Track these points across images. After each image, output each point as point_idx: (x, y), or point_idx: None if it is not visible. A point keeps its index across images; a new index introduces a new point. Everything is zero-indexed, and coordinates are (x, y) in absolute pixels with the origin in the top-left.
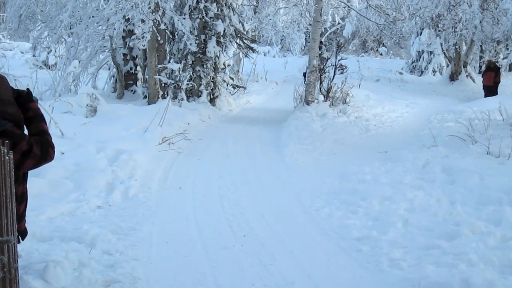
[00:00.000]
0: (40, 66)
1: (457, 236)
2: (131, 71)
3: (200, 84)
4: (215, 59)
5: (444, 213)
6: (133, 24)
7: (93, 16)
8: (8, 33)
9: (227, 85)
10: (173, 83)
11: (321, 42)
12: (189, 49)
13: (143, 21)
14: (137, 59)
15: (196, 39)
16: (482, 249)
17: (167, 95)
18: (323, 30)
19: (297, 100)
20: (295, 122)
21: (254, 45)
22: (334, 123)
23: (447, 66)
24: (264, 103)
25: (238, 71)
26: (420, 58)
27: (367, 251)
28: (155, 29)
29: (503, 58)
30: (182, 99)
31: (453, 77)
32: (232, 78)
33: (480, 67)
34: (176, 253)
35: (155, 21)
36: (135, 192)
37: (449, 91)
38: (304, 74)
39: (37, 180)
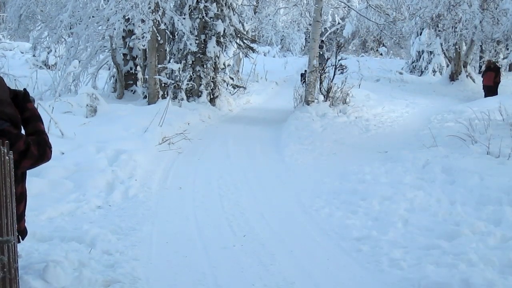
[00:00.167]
0: (40, 66)
1: (457, 236)
2: (131, 71)
3: (200, 84)
4: (215, 59)
5: (444, 213)
6: (133, 24)
7: (93, 16)
8: (8, 33)
9: (227, 85)
10: (173, 83)
11: (322, 41)
12: (189, 49)
13: (143, 21)
14: (137, 59)
15: (196, 39)
16: (482, 249)
17: (167, 95)
18: (323, 30)
19: (297, 100)
20: (295, 122)
21: (254, 45)
22: (334, 123)
23: (447, 66)
24: (264, 103)
25: (238, 71)
26: (420, 58)
27: (367, 251)
28: (155, 29)
29: (503, 58)
30: (182, 99)
31: (453, 77)
32: (232, 78)
33: (480, 67)
34: (176, 253)
35: (155, 21)
36: (135, 192)
37: (449, 91)
38: (302, 76)
39: (37, 180)
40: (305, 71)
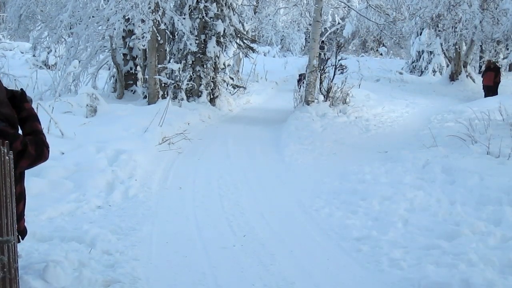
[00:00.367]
0: (40, 66)
1: (457, 236)
2: (131, 71)
3: (200, 84)
4: (215, 59)
5: (444, 213)
6: (133, 24)
7: (93, 16)
8: (8, 33)
9: (227, 85)
10: (173, 83)
11: (322, 42)
12: (189, 49)
13: (143, 21)
14: (137, 59)
15: (196, 39)
16: (482, 249)
17: (167, 95)
18: (323, 30)
19: (297, 100)
20: (295, 122)
21: (254, 45)
22: (334, 123)
23: (447, 66)
24: (264, 103)
25: (238, 71)
26: (420, 58)
27: (367, 251)
28: (155, 29)
29: (503, 58)
30: (182, 99)
31: (453, 77)
32: (232, 78)
33: (480, 67)
34: (176, 253)
35: (155, 21)
36: (135, 192)
37: (449, 91)
38: (298, 81)
39: (37, 180)
40: (300, 75)
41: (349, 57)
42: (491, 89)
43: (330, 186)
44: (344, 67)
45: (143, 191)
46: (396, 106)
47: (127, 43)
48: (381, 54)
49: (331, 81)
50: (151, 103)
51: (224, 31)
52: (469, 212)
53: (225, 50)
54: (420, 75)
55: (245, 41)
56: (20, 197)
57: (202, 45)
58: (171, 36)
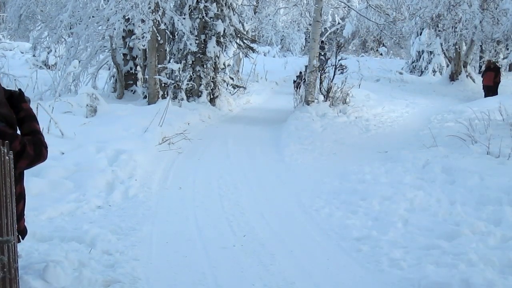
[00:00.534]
0: (40, 66)
1: (457, 236)
2: (131, 71)
3: (200, 84)
4: (215, 59)
5: (444, 213)
6: (133, 24)
7: (93, 16)
8: (8, 33)
9: (227, 85)
10: (173, 83)
11: (322, 42)
12: (189, 49)
13: (143, 21)
14: (137, 59)
15: (196, 39)
16: (482, 249)
17: (167, 95)
18: (323, 30)
19: (297, 100)
20: (295, 122)
21: (254, 45)
22: (334, 123)
23: (447, 66)
24: (264, 103)
25: (238, 71)
26: (420, 58)
27: (367, 251)
28: (155, 29)
29: (503, 58)
30: (182, 99)
31: (453, 77)
32: (232, 78)
33: (480, 67)
34: (176, 253)
35: (155, 21)
36: (135, 192)
37: (449, 91)
38: (295, 81)
39: (37, 180)
40: (297, 77)
41: (349, 57)
42: (491, 89)
43: (330, 186)
44: (344, 67)
45: (143, 191)
46: (396, 106)
47: (127, 43)
48: (381, 54)
49: (331, 81)
50: (151, 103)
51: (224, 31)
52: (469, 212)
53: (225, 50)
54: (420, 75)
55: (245, 41)
56: (20, 197)
57: (202, 45)
58: (171, 36)
